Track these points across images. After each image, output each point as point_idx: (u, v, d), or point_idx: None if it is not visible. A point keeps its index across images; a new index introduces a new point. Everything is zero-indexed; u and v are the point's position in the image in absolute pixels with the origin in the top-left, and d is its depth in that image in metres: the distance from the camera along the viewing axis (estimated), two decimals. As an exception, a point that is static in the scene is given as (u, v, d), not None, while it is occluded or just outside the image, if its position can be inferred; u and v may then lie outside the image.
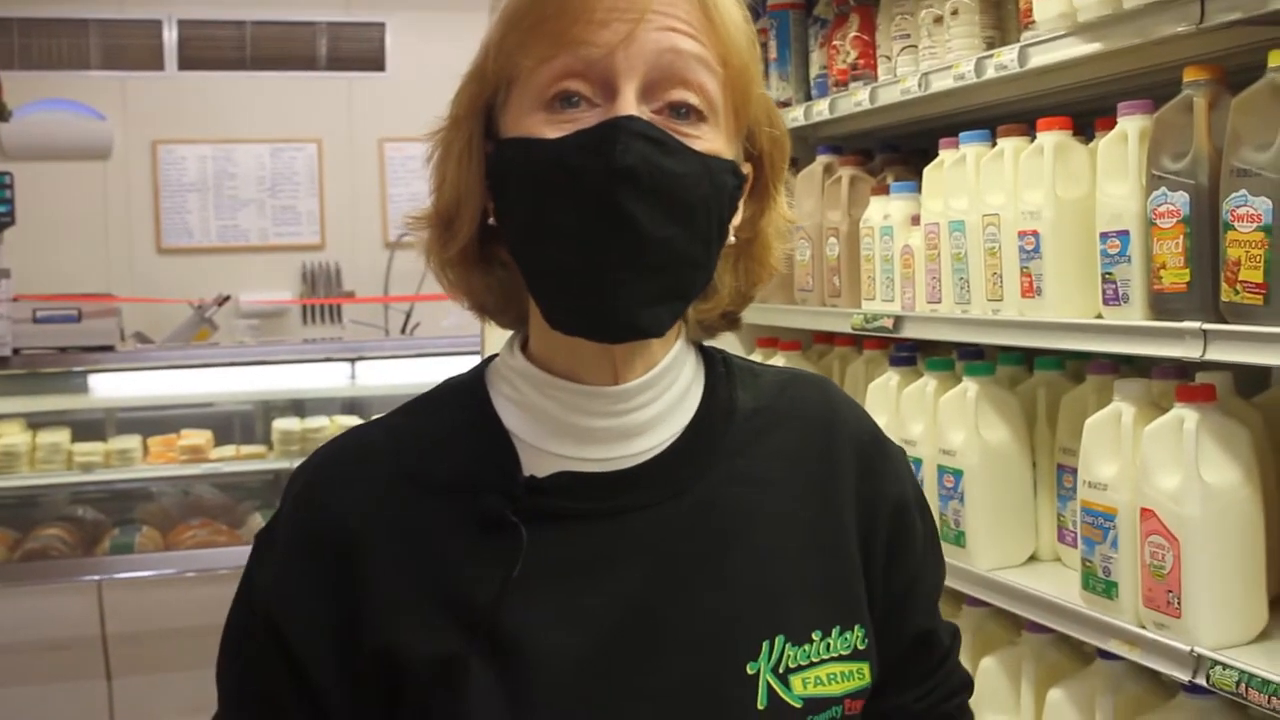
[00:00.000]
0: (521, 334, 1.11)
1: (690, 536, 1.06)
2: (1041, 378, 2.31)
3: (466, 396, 1.11)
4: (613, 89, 0.99)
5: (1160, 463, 1.76)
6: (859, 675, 1.08)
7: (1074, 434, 2.04)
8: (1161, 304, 1.79)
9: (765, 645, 1.04)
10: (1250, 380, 1.97)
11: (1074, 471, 2.01)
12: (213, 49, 6.86)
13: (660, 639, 1.02)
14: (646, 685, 1.01)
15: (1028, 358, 2.36)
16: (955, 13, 2.24)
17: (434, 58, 6.88)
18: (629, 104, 0.98)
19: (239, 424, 5.16)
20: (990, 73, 2.10)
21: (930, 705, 1.19)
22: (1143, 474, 1.79)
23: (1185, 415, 1.75)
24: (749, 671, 1.03)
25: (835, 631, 1.07)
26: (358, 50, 7.00)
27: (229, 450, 4.87)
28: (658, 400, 1.08)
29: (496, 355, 1.14)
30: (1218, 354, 1.67)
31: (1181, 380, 1.86)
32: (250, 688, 1.07)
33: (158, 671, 4.18)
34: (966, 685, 1.24)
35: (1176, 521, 1.73)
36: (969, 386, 2.23)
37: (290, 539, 1.07)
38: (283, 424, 4.85)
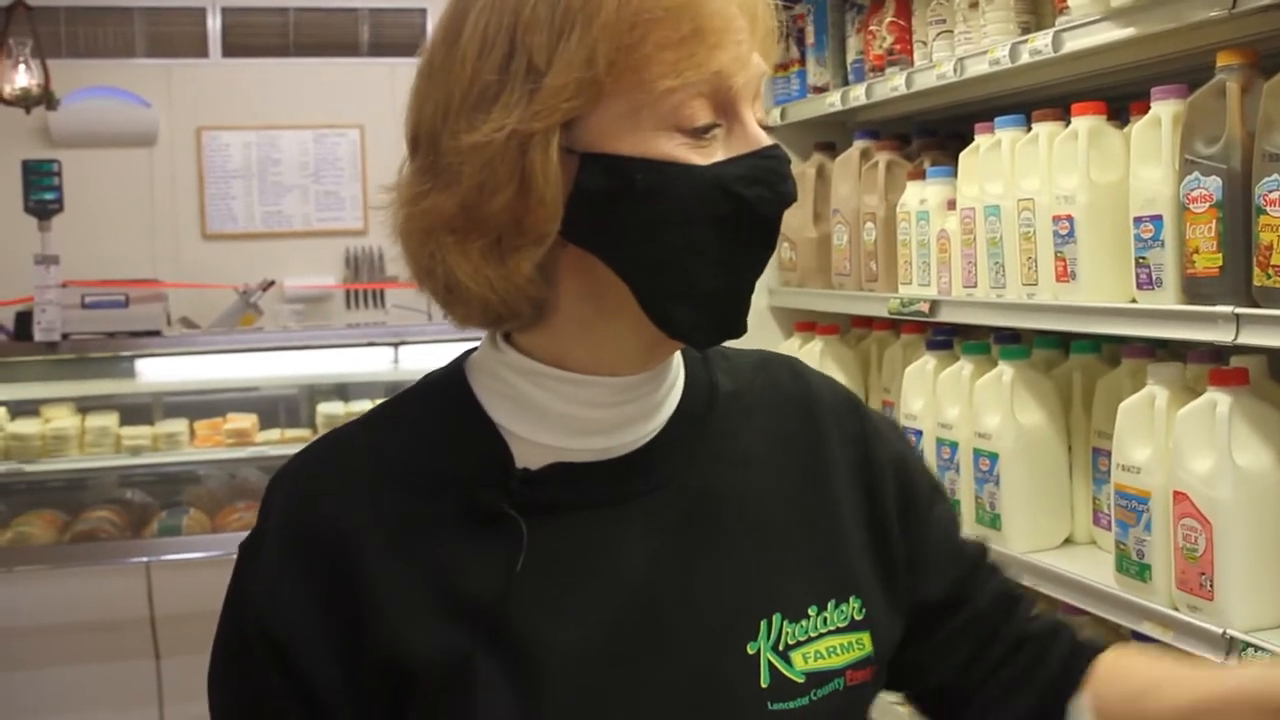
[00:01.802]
0: (507, 330, 1.09)
1: (685, 521, 1.06)
2: (1077, 361, 2.32)
3: (448, 391, 1.09)
4: (735, 113, 1.00)
5: (1193, 446, 1.77)
6: (859, 645, 1.09)
7: (1109, 417, 2.05)
8: (1194, 288, 1.79)
9: (764, 624, 1.05)
10: (1284, 364, 1.97)
11: (1109, 455, 2.02)
12: (256, 36, 6.92)
13: (662, 625, 1.03)
14: (652, 671, 1.02)
15: (1063, 341, 2.37)
16: (990, -2, 2.25)
17: (474, 43, 6.89)
18: (760, 131, 1.01)
19: (284, 408, 5.20)
20: (1025, 58, 2.10)
21: (1014, 588, 1.23)
22: (1176, 457, 1.80)
23: (1218, 399, 1.75)
24: (749, 651, 1.04)
25: (831, 605, 1.09)
26: (400, 35, 7.03)
27: (274, 434, 4.92)
28: (660, 388, 1.08)
29: (473, 350, 1.12)
30: (1250, 338, 1.68)
31: (1215, 364, 1.86)
32: (249, 705, 1.04)
33: (205, 651, 4.16)
34: (1014, 587, 1.26)
35: (1209, 504, 1.74)
36: (1005, 370, 2.24)
37: (280, 548, 1.04)
38: (327, 408, 4.89)
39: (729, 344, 1.11)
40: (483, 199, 0.98)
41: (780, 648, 1.05)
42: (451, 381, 1.10)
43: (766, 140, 1.01)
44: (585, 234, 1.00)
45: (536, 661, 0.99)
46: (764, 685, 1.04)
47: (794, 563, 1.09)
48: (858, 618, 1.10)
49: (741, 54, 0.99)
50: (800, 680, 1.05)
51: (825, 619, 1.08)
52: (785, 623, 1.06)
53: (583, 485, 1.05)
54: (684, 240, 0.98)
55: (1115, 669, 1.16)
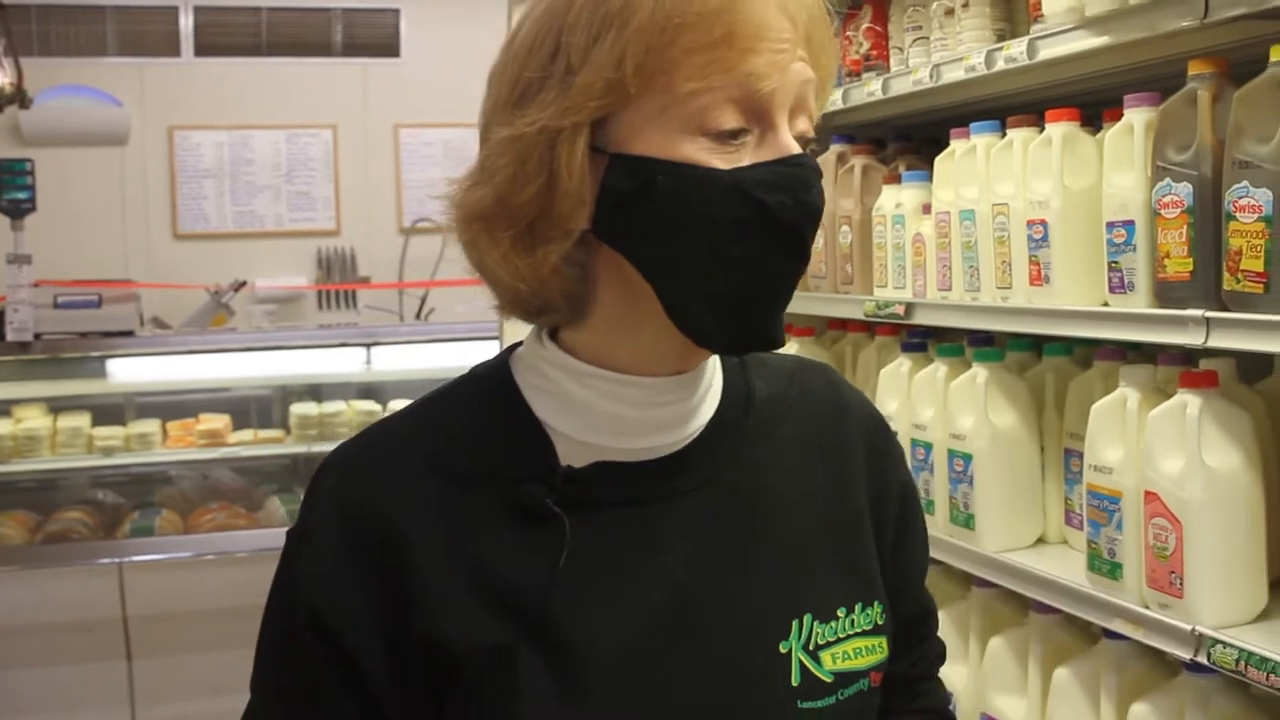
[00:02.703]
0: (549, 326, 1.12)
1: (721, 522, 1.09)
2: (1049, 364, 2.35)
3: (493, 386, 1.11)
4: (769, 120, 1.00)
5: (1164, 447, 1.81)
6: (880, 649, 1.13)
7: (1081, 419, 2.08)
8: (1166, 292, 1.83)
9: (795, 624, 1.08)
10: (1252, 367, 2.01)
11: (1081, 455, 2.06)
12: (229, 35, 6.90)
13: (699, 622, 1.05)
14: (688, 667, 1.04)
15: (1036, 344, 2.40)
16: (966, 5, 2.28)
17: (449, 44, 6.95)
18: (791, 140, 1.01)
19: (256, 408, 5.20)
20: (1000, 65, 2.14)
21: (921, 670, 1.27)
22: (1147, 458, 1.83)
23: (1188, 401, 1.79)
24: (781, 650, 1.07)
25: (859, 608, 1.12)
26: (373, 36, 7.03)
27: (247, 435, 4.92)
28: (697, 391, 1.10)
29: (519, 344, 1.14)
30: (1220, 341, 1.71)
31: (1185, 367, 1.90)
32: (295, 685, 1.06)
33: (177, 653, 4.24)
34: (943, 653, 1.32)
35: (1179, 504, 1.78)
36: (979, 372, 2.27)
37: (330, 534, 1.06)
38: (300, 409, 4.90)
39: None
40: (514, 190, 1.01)
41: (810, 647, 1.08)
42: (497, 376, 1.12)
43: (796, 149, 1.01)
44: (614, 233, 1.03)
45: (577, 655, 1.01)
46: (795, 684, 1.07)
47: (824, 565, 1.12)
48: (880, 622, 1.13)
49: (778, 61, 0.99)
50: (829, 680, 1.08)
51: (853, 621, 1.11)
52: (816, 623, 1.09)
53: (624, 484, 1.07)
54: (704, 244, 1.00)
55: None
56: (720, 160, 0.99)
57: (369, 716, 1.04)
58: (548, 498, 1.04)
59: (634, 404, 1.07)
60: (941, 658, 1.31)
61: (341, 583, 1.04)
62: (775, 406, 1.16)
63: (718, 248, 1.00)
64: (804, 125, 1.03)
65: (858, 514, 1.17)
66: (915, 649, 1.26)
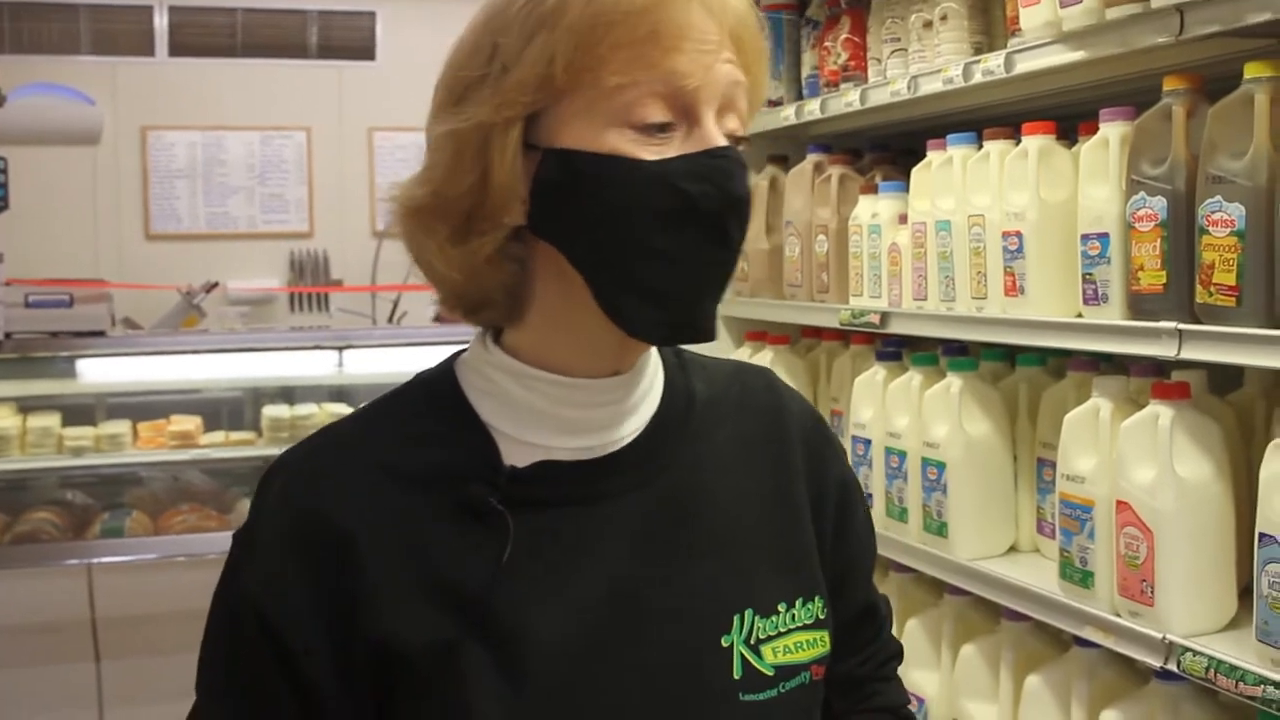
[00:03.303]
0: (493, 329, 1.14)
1: (664, 519, 1.11)
2: (1023, 374, 2.37)
3: (439, 390, 1.14)
4: (694, 116, 1.03)
5: (1136, 457, 1.83)
6: (821, 643, 1.16)
7: (1054, 429, 2.11)
8: (1139, 304, 1.85)
9: (736, 619, 1.11)
10: (1223, 379, 2.03)
11: (1054, 465, 2.08)
12: (203, 35, 6.88)
13: (641, 617, 1.08)
14: (631, 661, 1.06)
15: (1010, 354, 2.42)
16: (944, 18, 2.30)
17: (424, 47, 6.90)
18: (717, 133, 1.04)
19: (228, 410, 5.18)
20: (978, 77, 2.16)
21: (871, 670, 1.29)
22: (1119, 468, 1.86)
23: (1160, 412, 1.81)
24: (723, 644, 1.10)
25: (799, 603, 1.15)
26: (348, 39, 7.02)
27: (218, 436, 4.89)
28: (637, 390, 1.13)
29: (464, 349, 1.17)
30: (1192, 353, 1.74)
31: (1157, 378, 1.92)
32: (241, 686, 1.07)
33: (147, 655, 4.21)
34: (899, 653, 1.34)
35: (1151, 514, 1.80)
36: (953, 381, 2.29)
37: (276, 535, 1.07)
38: (272, 411, 4.87)
39: (705, 353, 1.16)
40: (450, 184, 1.06)
41: (752, 641, 1.11)
42: (442, 380, 1.14)
43: (721, 141, 1.05)
44: (547, 226, 1.06)
45: (521, 650, 1.04)
46: (736, 677, 1.10)
47: (765, 561, 1.15)
48: (820, 616, 1.16)
49: (702, 60, 1.03)
50: (770, 673, 1.11)
51: (793, 615, 1.14)
52: (757, 618, 1.12)
53: (567, 483, 1.09)
54: (631, 234, 1.03)
55: None
56: (647, 152, 1.03)
57: (315, 717, 1.05)
58: (492, 497, 1.06)
59: (574, 404, 1.10)
60: (897, 658, 1.33)
61: (287, 585, 1.05)
62: (715, 407, 1.19)
63: (644, 237, 1.03)
64: (733, 124, 1.07)
65: (798, 511, 1.19)
66: (865, 648, 1.28)
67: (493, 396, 1.11)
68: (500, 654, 1.03)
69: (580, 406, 1.10)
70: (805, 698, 1.14)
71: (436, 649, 1.03)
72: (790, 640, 1.13)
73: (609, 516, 1.10)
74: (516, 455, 1.09)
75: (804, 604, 1.15)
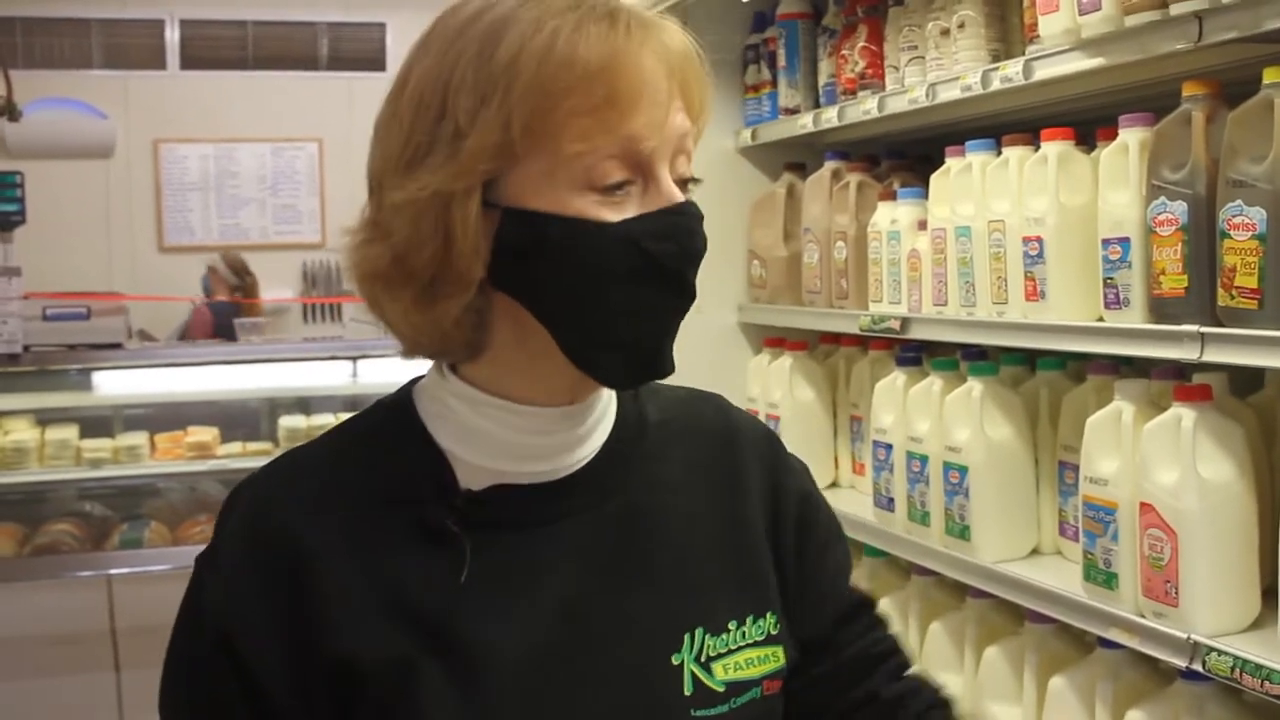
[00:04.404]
0: (445, 360, 1.15)
1: (616, 540, 1.14)
2: (1044, 378, 2.39)
3: (398, 415, 1.15)
4: (650, 172, 1.06)
5: (1159, 459, 1.85)
6: (774, 658, 1.17)
7: (1075, 432, 2.12)
8: (1161, 308, 1.87)
9: (687, 637, 1.13)
10: (1245, 381, 2.05)
11: (1075, 468, 2.09)
12: (214, 49, 6.93)
13: (593, 636, 1.10)
14: (585, 679, 1.09)
15: (1030, 358, 2.44)
16: (962, 26, 2.32)
17: (434, 59, 6.90)
18: (674, 189, 1.07)
19: (244, 421, 5.20)
20: (996, 84, 2.18)
21: (888, 647, 1.29)
22: (1142, 470, 1.87)
23: (1183, 414, 1.83)
24: (674, 662, 1.12)
25: (750, 620, 1.17)
26: (358, 50, 7.07)
27: (235, 447, 4.92)
28: (590, 418, 1.15)
29: (422, 377, 1.18)
30: (1214, 356, 1.76)
31: (1179, 381, 1.94)
32: (203, 708, 1.08)
33: (166, 664, 4.23)
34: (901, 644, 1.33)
35: (1174, 515, 1.82)
36: (974, 386, 2.31)
37: (238, 557, 1.09)
38: (289, 421, 4.90)
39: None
40: (410, 252, 1.06)
41: (702, 659, 1.13)
42: (400, 406, 1.16)
43: (679, 197, 1.07)
44: (510, 283, 1.08)
45: (477, 669, 1.06)
46: (687, 693, 1.12)
47: (716, 580, 1.17)
48: (773, 632, 1.18)
49: (656, 118, 1.05)
50: (720, 689, 1.13)
51: (744, 633, 1.16)
52: (707, 636, 1.14)
53: (522, 505, 1.12)
54: (597, 292, 1.05)
55: None
56: (608, 211, 1.04)
57: None
58: (448, 519, 1.08)
59: (528, 431, 1.12)
60: (882, 647, 1.31)
61: (248, 605, 1.07)
62: (667, 431, 1.22)
63: (610, 296, 1.05)
64: (684, 168, 1.09)
65: (750, 531, 1.21)
66: (872, 630, 1.29)
67: (449, 422, 1.13)
68: (457, 673, 1.05)
69: (534, 433, 1.12)
70: (758, 712, 1.16)
71: (394, 668, 1.05)
72: (741, 657, 1.15)
73: (562, 538, 1.12)
74: (472, 479, 1.11)
75: (755, 620, 1.17)
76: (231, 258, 6.17)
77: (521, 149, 1.03)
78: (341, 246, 1.12)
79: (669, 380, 1.15)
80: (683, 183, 1.09)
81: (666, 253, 1.06)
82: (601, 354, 1.08)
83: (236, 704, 1.06)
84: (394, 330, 1.12)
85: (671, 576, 1.15)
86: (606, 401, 1.18)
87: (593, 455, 1.15)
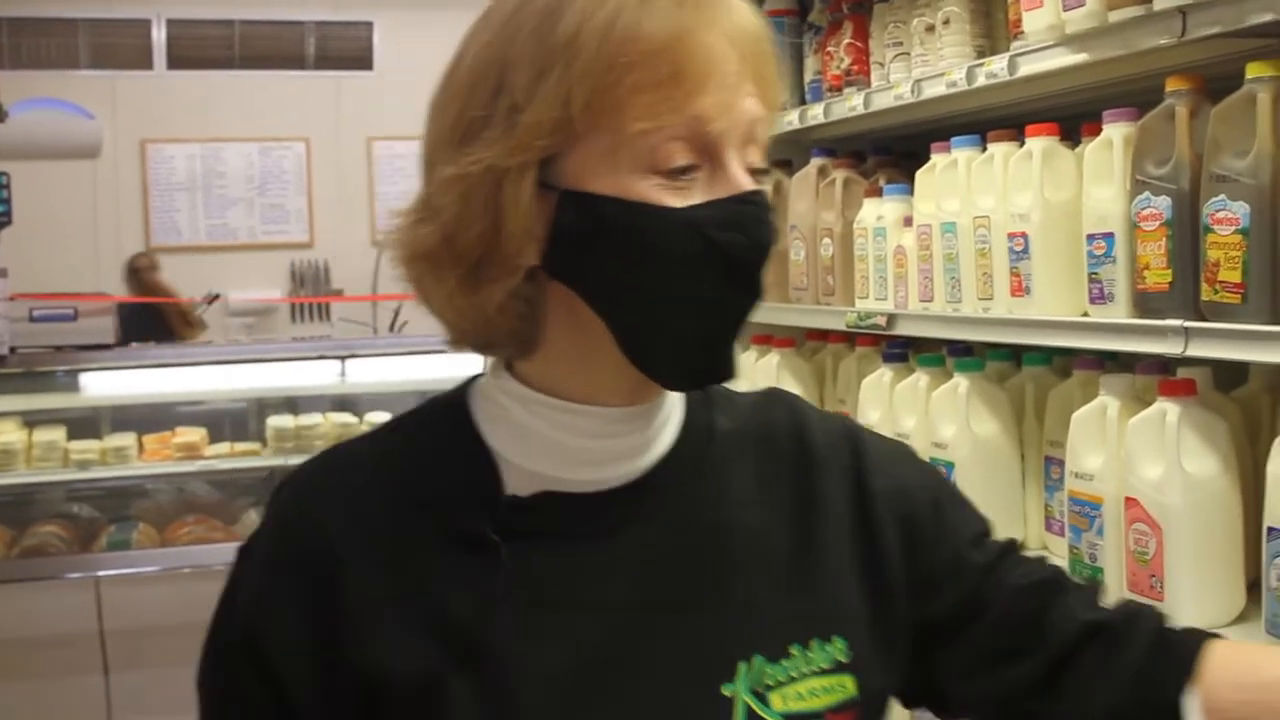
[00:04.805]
0: (492, 354, 1.10)
1: (671, 557, 1.06)
2: (1029, 373, 2.39)
3: (451, 414, 1.11)
4: (718, 157, 1.00)
5: (1144, 454, 1.85)
6: (841, 688, 1.06)
7: (1061, 427, 2.13)
8: (1145, 303, 1.87)
9: (742, 665, 1.04)
10: (1229, 375, 2.06)
11: (1061, 463, 2.10)
12: (201, 48, 6.91)
13: (636, 660, 1.03)
14: (621, 705, 1.01)
15: (1015, 354, 2.44)
16: (947, 22, 2.32)
17: (422, 57, 6.92)
18: (743, 177, 1.00)
19: (233, 421, 5.19)
20: (981, 80, 2.18)
21: (1035, 578, 1.15)
22: (1127, 465, 1.87)
23: (1167, 409, 1.83)
24: (725, 693, 1.03)
25: (815, 644, 1.07)
26: (346, 49, 7.06)
27: (223, 448, 4.91)
28: (652, 424, 1.09)
29: (481, 374, 1.13)
30: (1198, 350, 1.76)
31: (1164, 375, 1.94)
32: (229, 700, 1.07)
33: (155, 667, 4.21)
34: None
35: (1159, 510, 1.82)
36: (960, 382, 2.31)
37: (271, 554, 1.07)
38: (277, 421, 4.89)
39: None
40: (459, 229, 1.00)
41: (758, 689, 1.04)
42: (454, 404, 1.12)
43: (748, 185, 1.00)
44: (565, 269, 1.02)
45: (508, 686, 1.00)
46: None
47: (779, 601, 1.08)
48: (842, 660, 1.08)
49: (725, 99, 0.98)
50: None
51: (808, 659, 1.07)
52: (765, 664, 1.05)
53: (570, 515, 1.05)
54: (657, 282, 0.99)
55: (1231, 659, 1.08)
56: (672, 197, 0.98)
57: None
58: (487, 526, 1.03)
59: (583, 433, 1.06)
60: (1046, 576, 1.17)
61: (276, 602, 1.04)
62: (735, 440, 1.14)
63: (672, 286, 0.99)
64: (754, 157, 1.03)
65: (822, 544, 1.11)
66: (1023, 564, 1.16)
67: (501, 422, 1.08)
68: (485, 690, 1.00)
69: (589, 436, 1.06)
70: None
71: (421, 680, 1.00)
72: (803, 686, 1.05)
73: (611, 553, 1.05)
74: (521, 484, 1.06)
75: (821, 646, 1.07)
76: (136, 258, 6.06)
77: (581, 126, 0.97)
78: (389, 230, 1.07)
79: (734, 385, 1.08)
80: (753, 174, 1.02)
81: (733, 243, 0.98)
82: (658, 349, 1.01)
83: (258, 698, 1.04)
84: (438, 315, 1.07)
85: (727, 599, 1.06)
86: (670, 408, 1.10)
87: (652, 464, 1.08)
